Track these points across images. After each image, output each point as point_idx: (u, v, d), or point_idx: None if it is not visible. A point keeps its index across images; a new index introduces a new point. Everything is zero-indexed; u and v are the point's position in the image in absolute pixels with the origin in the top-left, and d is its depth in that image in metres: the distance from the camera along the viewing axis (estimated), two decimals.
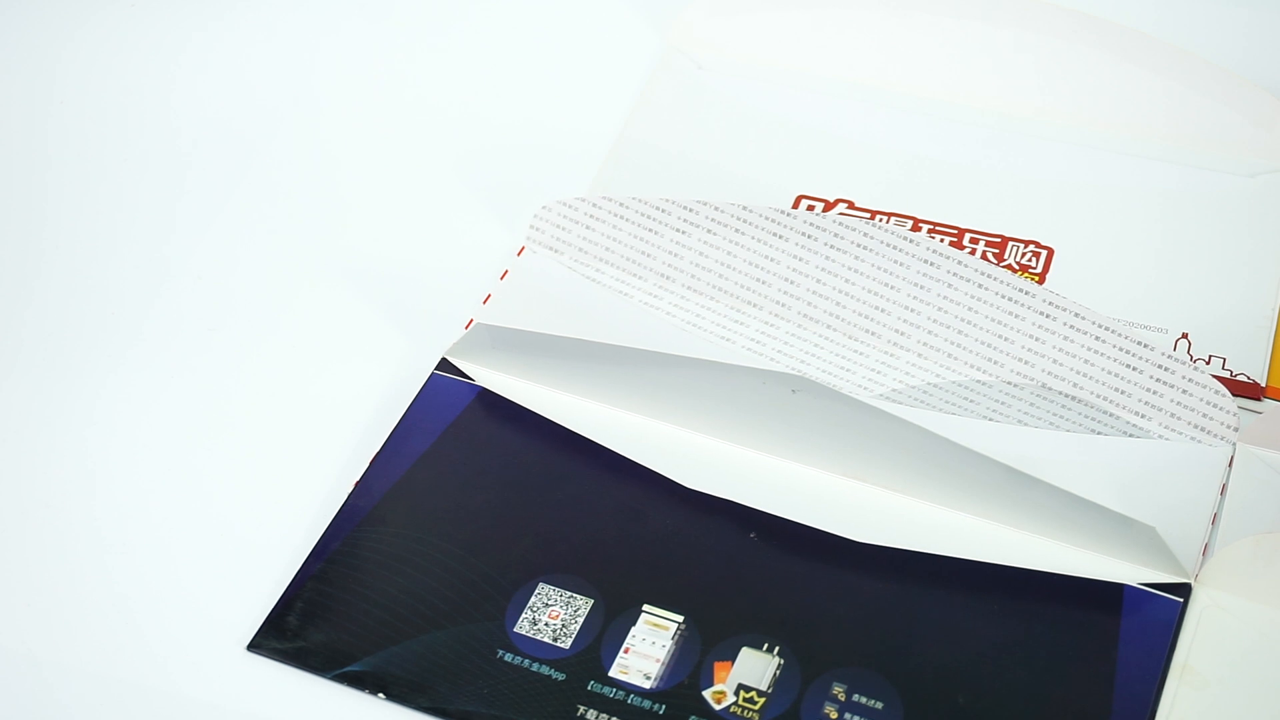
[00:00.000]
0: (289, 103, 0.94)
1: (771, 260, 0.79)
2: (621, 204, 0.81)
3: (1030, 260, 0.82)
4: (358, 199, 0.89)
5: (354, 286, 0.84)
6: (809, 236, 0.78)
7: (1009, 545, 0.71)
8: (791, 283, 0.79)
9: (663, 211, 0.80)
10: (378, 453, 0.76)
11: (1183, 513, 0.72)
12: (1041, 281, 0.81)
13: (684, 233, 0.80)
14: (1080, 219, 0.84)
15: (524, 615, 0.70)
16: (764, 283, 0.79)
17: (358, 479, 0.75)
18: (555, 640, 0.69)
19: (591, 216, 0.81)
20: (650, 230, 0.80)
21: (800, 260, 0.78)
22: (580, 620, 0.70)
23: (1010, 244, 0.83)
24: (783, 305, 0.79)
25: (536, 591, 0.71)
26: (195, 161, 0.91)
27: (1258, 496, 0.73)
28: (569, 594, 0.71)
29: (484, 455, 0.75)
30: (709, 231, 0.80)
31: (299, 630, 0.70)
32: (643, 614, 0.70)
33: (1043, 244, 0.83)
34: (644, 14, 0.97)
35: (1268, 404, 0.76)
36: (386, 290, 0.84)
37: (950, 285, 0.77)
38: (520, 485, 0.74)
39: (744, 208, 0.79)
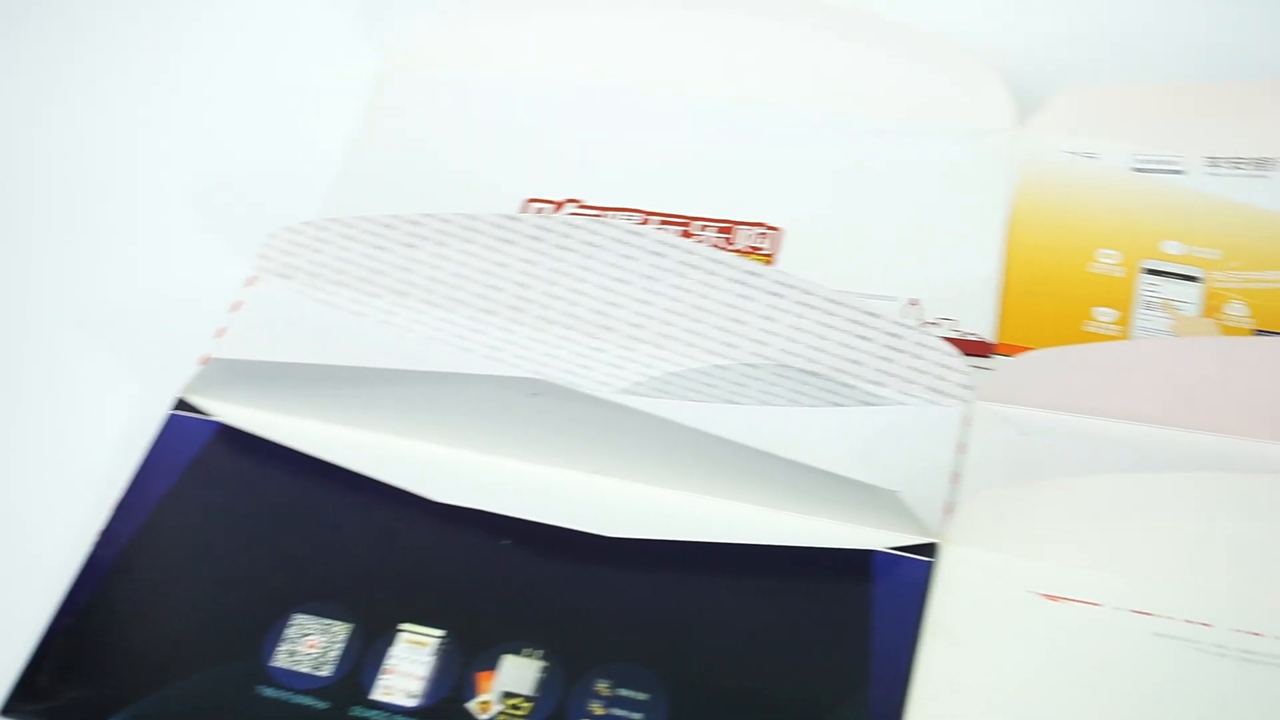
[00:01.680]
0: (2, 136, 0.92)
1: (503, 266, 0.79)
2: (348, 225, 0.80)
3: (760, 242, 0.83)
4: (78, 238, 0.87)
5: (80, 330, 0.82)
6: (537, 239, 0.78)
7: (758, 524, 0.72)
8: (525, 286, 0.79)
9: (390, 228, 0.80)
10: (119, 500, 0.74)
11: (924, 474, 0.73)
12: (771, 262, 0.82)
13: (414, 247, 0.80)
14: (807, 197, 0.85)
15: (281, 647, 0.69)
16: (497, 289, 0.79)
17: (102, 528, 0.73)
18: (315, 669, 0.69)
19: (320, 240, 0.81)
20: (380, 248, 0.80)
21: (531, 264, 0.79)
22: (339, 646, 0.69)
23: (739, 228, 0.84)
24: (518, 310, 0.79)
25: (292, 622, 0.70)
26: None
27: (995, 451, 0.74)
28: (326, 621, 0.70)
29: (229, 491, 0.74)
30: (438, 243, 0.79)
31: (53, 689, 0.69)
32: (401, 633, 0.70)
33: (771, 225, 0.84)
34: (362, 34, 0.96)
35: (998, 360, 0.78)
36: (115, 331, 0.82)
37: (680, 274, 0.77)
38: (268, 517, 0.73)
39: (471, 216, 0.79)
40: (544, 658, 0.69)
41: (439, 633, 0.70)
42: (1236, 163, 0.86)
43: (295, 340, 0.79)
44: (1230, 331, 0.79)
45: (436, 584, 0.71)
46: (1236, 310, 0.80)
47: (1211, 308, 0.80)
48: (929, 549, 0.71)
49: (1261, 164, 0.86)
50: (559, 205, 0.85)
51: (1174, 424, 0.74)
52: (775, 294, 0.76)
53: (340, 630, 0.70)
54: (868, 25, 0.87)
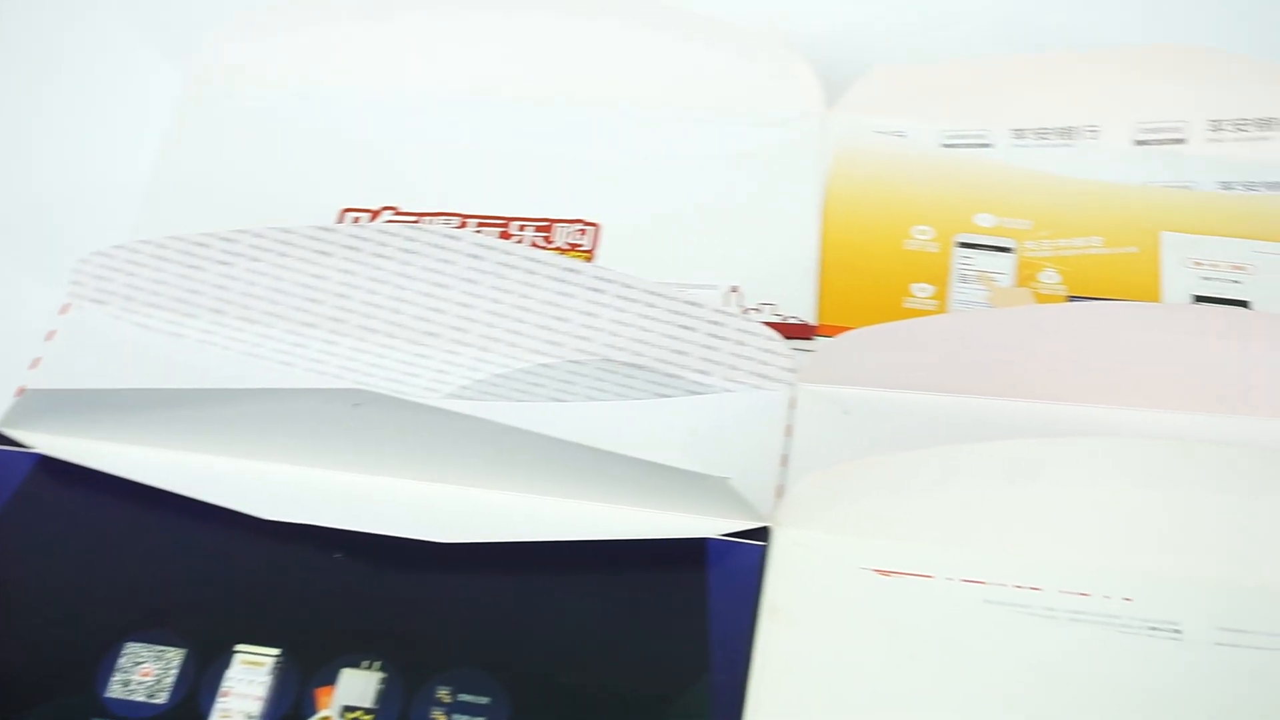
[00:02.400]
0: None
1: (321, 278, 0.78)
2: (161, 245, 0.79)
3: (579, 238, 0.83)
4: None
5: None
6: (354, 249, 0.78)
7: (591, 520, 0.72)
8: (344, 297, 0.78)
9: (204, 247, 0.79)
10: None
11: (754, 459, 0.74)
12: (591, 258, 0.82)
13: (228, 264, 0.79)
14: (623, 191, 0.86)
15: (115, 678, 0.68)
16: (317, 301, 0.78)
17: None
18: (150, 697, 0.68)
19: (133, 262, 0.79)
20: (194, 267, 0.79)
21: (349, 274, 0.78)
22: (174, 672, 0.68)
23: (558, 226, 0.84)
24: (339, 321, 0.78)
25: (125, 651, 0.69)
26: None
27: (821, 432, 0.75)
28: (159, 648, 0.69)
29: (53, 522, 0.73)
30: (253, 259, 0.78)
31: None
32: (237, 654, 0.69)
33: (590, 221, 0.84)
34: (162, 50, 0.95)
35: (819, 341, 0.78)
36: None
37: (500, 276, 0.77)
38: (95, 546, 0.72)
39: (285, 230, 0.78)
40: (383, 669, 0.68)
41: (275, 651, 0.69)
42: (1042, 133, 0.87)
43: (113, 366, 0.77)
44: (1044, 299, 0.80)
45: (270, 602, 0.70)
46: (1049, 278, 0.81)
47: (1025, 277, 0.81)
48: (762, 533, 0.71)
49: (1066, 133, 0.87)
50: (375, 214, 0.85)
51: (994, 394, 0.75)
52: (596, 289, 0.76)
53: (174, 656, 0.69)
54: (671, 17, 0.88)
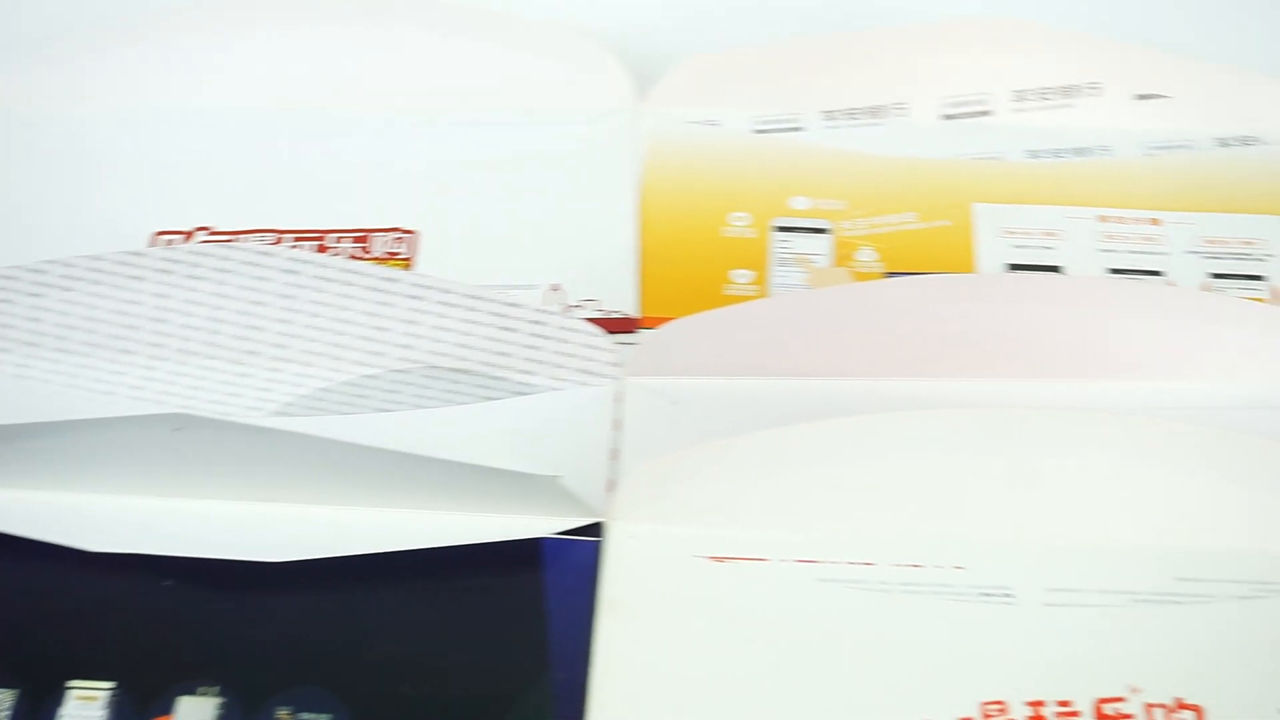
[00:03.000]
0: None
1: (135, 304, 0.77)
2: None
3: (397, 247, 0.83)
4: None
5: None
6: (167, 272, 0.77)
7: (423, 529, 0.71)
8: (161, 321, 0.77)
9: (11, 280, 0.77)
10: None
11: (584, 456, 0.74)
12: (410, 266, 0.82)
13: (39, 296, 0.77)
14: (439, 197, 0.85)
15: None
16: (133, 328, 0.77)
17: None
18: None
19: None
20: (4, 301, 0.77)
21: (164, 297, 0.77)
22: (5, 714, 0.67)
23: (375, 235, 0.83)
24: (157, 346, 0.77)
25: None
26: None
27: (649, 424, 0.75)
28: None
29: None
30: (64, 289, 0.77)
31: None
32: (70, 691, 0.68)
33: (407, 229, 0.84)
34: None
35: (642, 334, 0.78)
36: None
37: (318, 289, 0.76)
38: None
39: (96, 258, 0.77)
40: (220, 694, 0.67)
41: (109, 685, 0.68)
42: (852, 113, 0.88)
43: None
44: (862, 277, 0.81)
45: (101, 636, 0.69)
46: (866, 256, 0.82)
47: (842, 257, 0.82)
48: (595, 529, 0.71)
49: (875, 112, 0.88)
50: (188, 235, 0.84)
51: (818, 374, 0.76)
52: (415, 297, 0.76)
53: (5, 697, 0.67)
54: (477, 20, 0.88)
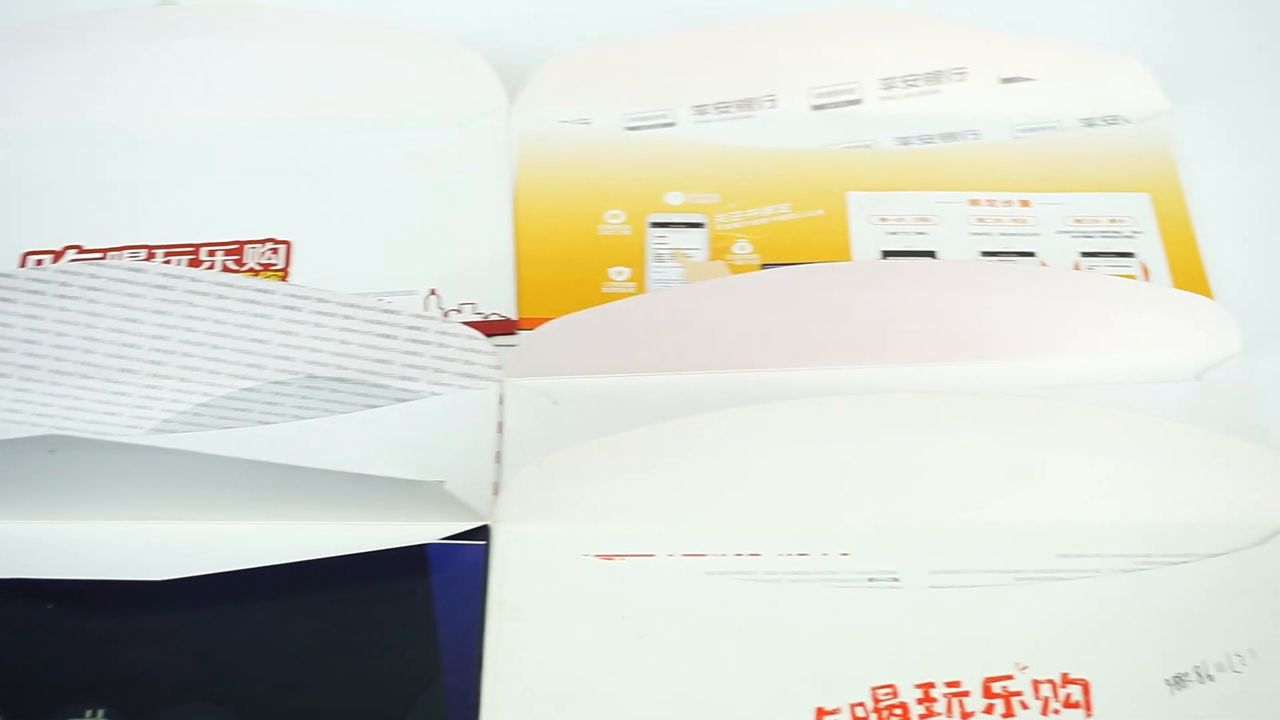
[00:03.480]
0: None
1: (6, 326, 0.76)
2: None
3: (271, 258, 0.82)
4: None
5: None
6: (37, 293, 0.76)
7: (309, 540, 0.71)
8: (32, 343, 0.76)
9: None
10: None
11: (468, 459, 0.74)
12: (285, 277, 0.81)
13: None
14: (313, 206, 0.85)
15: None
16: (4, 351, 0.76)
17: None
18: None
19: None
20: None
21: (35, 319, 0.76)
22: None
23: (248, 247, 0.83)
24: (29, 368, 0.76)
25: None
26: None
27: (533, 425, 0.75)
28: None
29: None
30: None
31: None
32: None
33: (280, 239, 0.83)
34: None
35: (522, 335, 0.78)
36: None
37: (192, 304, 0.76)
38: None
39: None
40: (107, 715, 0.67)
41: None
42: (723, 107, 0.88)
43: None
44: (739, 270, 0.81)
45: None
46: (742, 248, 0.82)
47: (719, 250, 0.82)
48: (482, 532, 0.71)
49: (746, 104, 0.88)
50: (58, 255, 0.83)
51: (699, 368, 0.76)
52: (291, 308, 0.76)
53: None
54: (343, 26, 0.87)
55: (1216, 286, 0.81)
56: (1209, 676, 0.66)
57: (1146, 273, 0.81)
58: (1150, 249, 0.82)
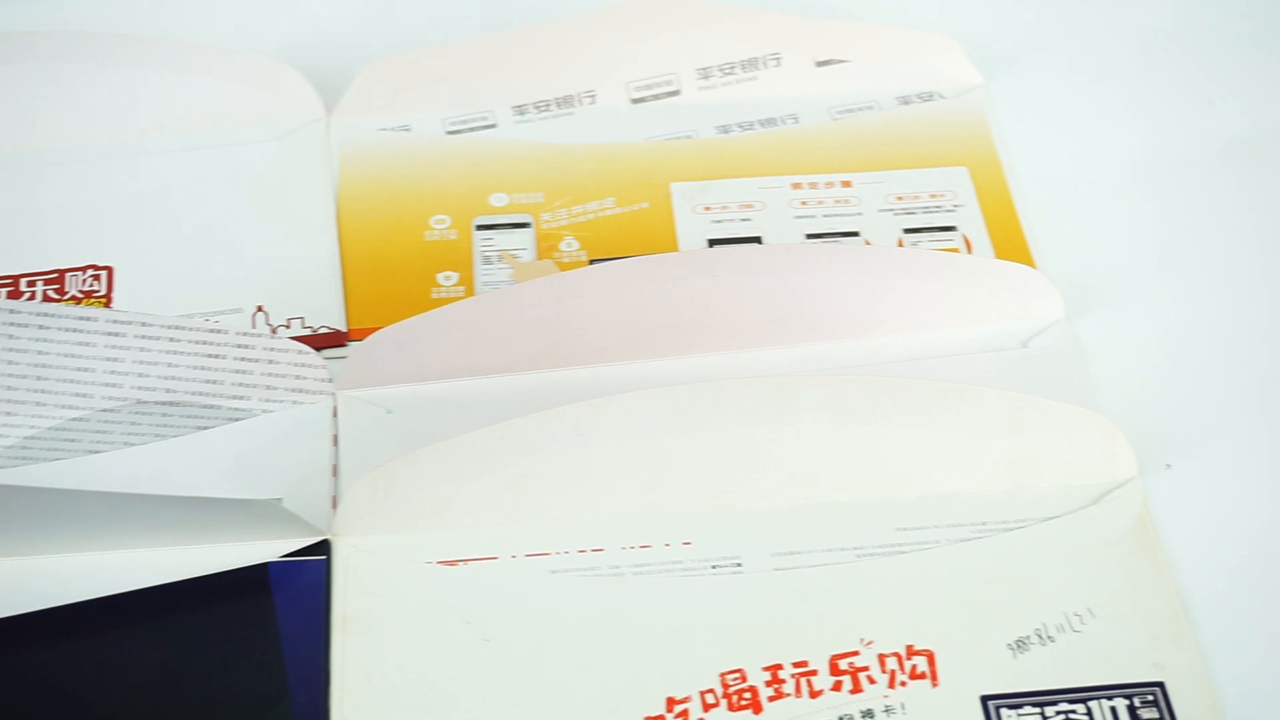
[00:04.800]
0: None
1: None
2: None
3: (93, 285, 0.81)
4: None
5: None
6: None
7: (146, 567, 0.70)
8: None
9: None
10: None
11: (305, 475, 0.73)
12: (108, 303, 0.80)
13: None
14: (133, 230, 0.84)
15: None
16: None
17: None
18: None
19: None
20: None
21: None
22: None
23: (68, 275, 0.81)
24: None
25: None
26: None
27: (368, 436, 0.75)
28: None
29: None
30: None
31: None
32: None
33: (101, 265, 0.82)
34: None
35: (352, 346, 0.78)
36: None
37: (11, 336, 0.74)
38: None
39: None
40: None
41: None
42: (542, 106, 0.88)
43: None
44: (567, 267, 0.81)
45: None
46: (569, 245, 0.82)
47: (546, 249, 0.82)
48: (323, 546, 0.70)
49: (565, 102, 0.89)
50: None
51: (531, 368, 0.76)
52: (114, 334, 0.74)
53: None
54: (149, 47, 0.86)
55: (1037, 254, 0.82)
56: (1050, 638, 0.67)
57: (969, 245, 0.82)
58: (971, 221, 0.83)
